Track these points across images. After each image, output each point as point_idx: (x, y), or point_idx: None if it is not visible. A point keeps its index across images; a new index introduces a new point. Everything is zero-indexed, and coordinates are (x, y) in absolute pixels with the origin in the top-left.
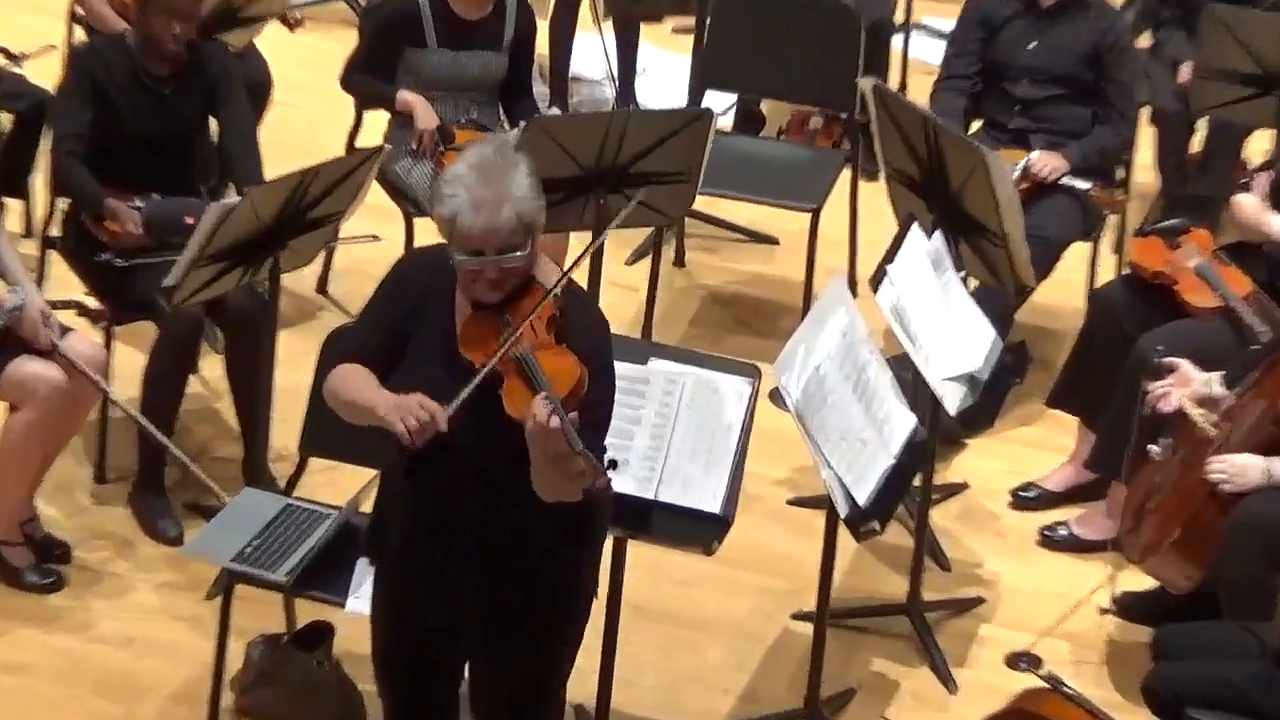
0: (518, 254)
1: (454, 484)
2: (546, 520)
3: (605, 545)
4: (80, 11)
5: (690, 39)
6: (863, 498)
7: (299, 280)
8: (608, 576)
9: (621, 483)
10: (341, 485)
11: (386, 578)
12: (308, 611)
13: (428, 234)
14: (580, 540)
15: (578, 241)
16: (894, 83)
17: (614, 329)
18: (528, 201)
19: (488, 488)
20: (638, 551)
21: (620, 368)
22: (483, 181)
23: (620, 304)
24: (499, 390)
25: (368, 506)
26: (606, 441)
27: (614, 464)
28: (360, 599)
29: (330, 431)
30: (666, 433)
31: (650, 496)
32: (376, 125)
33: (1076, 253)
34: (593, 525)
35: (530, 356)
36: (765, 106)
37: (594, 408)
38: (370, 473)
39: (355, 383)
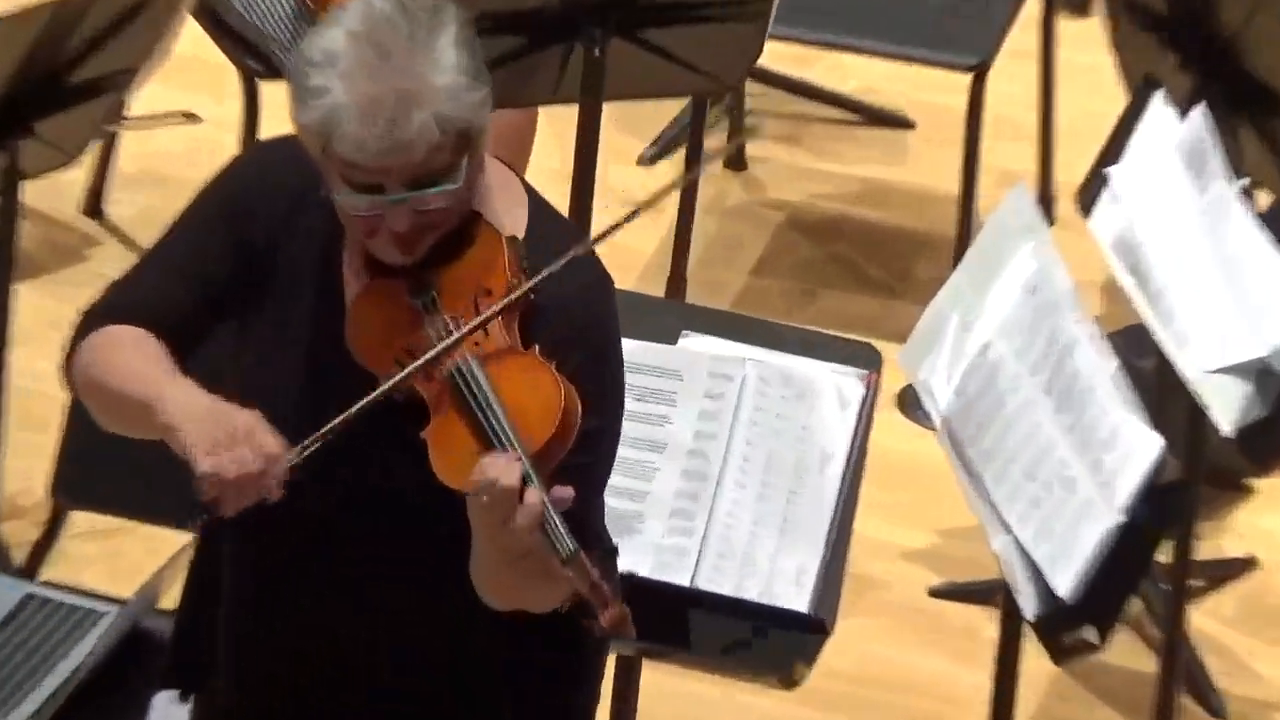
0: (442, 187)
1: (316, 583)
2: (497, 646)
3: (604, 673)
4: None
5: None
6: (1066, 585)
7: (54, 195)
8: None
9: (632, 557)
10: (128, 559)
11: (214, 714)
12: None
13: (285, 115)
14: (561, 678)
15: (556, 119)
16: None
17: (624, 281)
18: (459, 94)
19: (383, 594)
20: (662, 681)
21: (632, 349)
22: (375, 64)
23: (631, 238)
24: (418, 432)
25: (172, 601)
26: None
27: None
28: None
29: (108, 464)
30: (713, 467)
31: (683, 583)
32: None
33: None
34: (582, 648)
35: (479, 374)
36: None
37: (587, 447)
38: (182, 538)
39: (132, 357)
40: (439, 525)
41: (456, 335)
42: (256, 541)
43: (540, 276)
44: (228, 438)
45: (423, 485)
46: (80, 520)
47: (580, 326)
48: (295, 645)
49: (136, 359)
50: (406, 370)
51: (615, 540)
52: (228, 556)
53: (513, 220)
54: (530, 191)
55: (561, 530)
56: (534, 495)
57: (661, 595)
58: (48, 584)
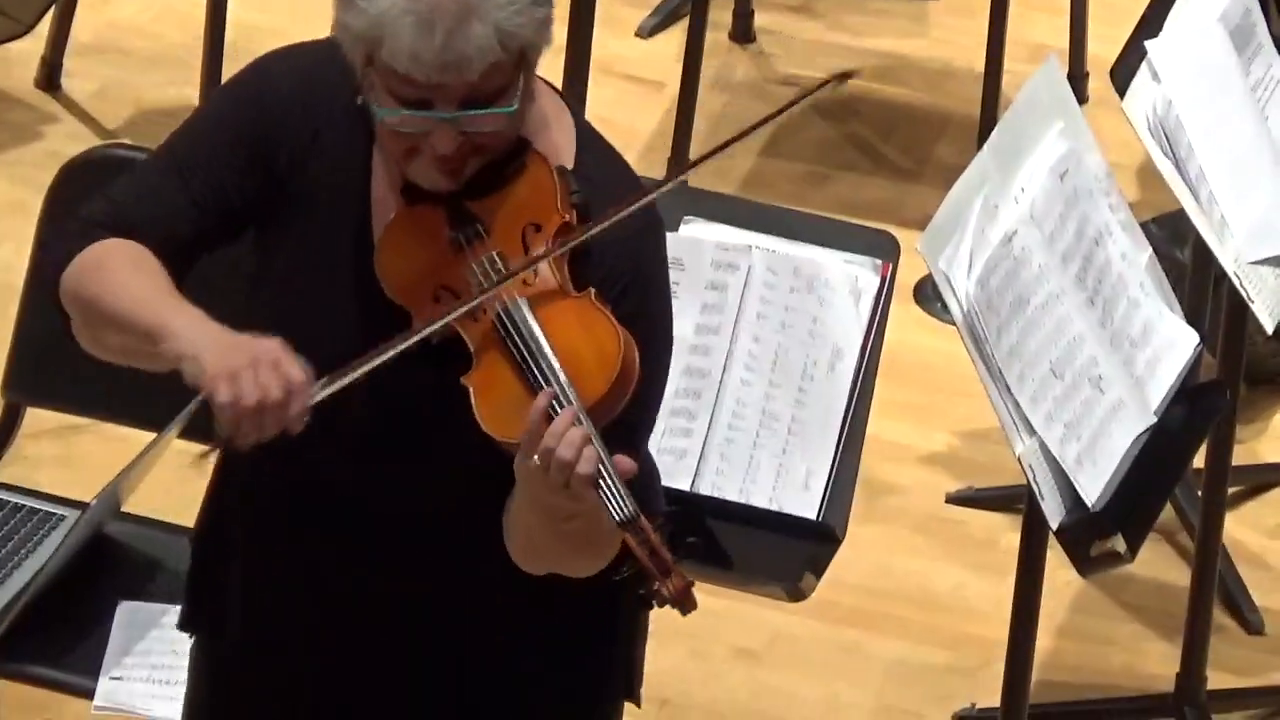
0: (496, 109)
1: (339, 537)
2: (530, 611)
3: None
4: None
5: None
6: (1093, 492)
7: (6, 67)
8: None
9: None
10: (88, 461)
11: (212, 679)
12: (23, 705)
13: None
14: (597, 642)
15: None
16: None
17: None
18: (523, 9)
19: (408, 551)
20: None
21: None
22: None
23: (630, 113)
24: (460, 376)
25: (143, 506)
26: None
27: (692, 543)
28: (123, 682)
29: (65, 358)
30: (717, 364)
31: (683, 488)
32: None
33: None
34: (619, 601)
35: (529, 317)
36: None
37: (640, 401)
38: (145, 437)
39: (133, 279)
40: (474, 475)
41: (507, 274)
42: (274, 483)
43: (609, 220)
44: (249, 365)
45: (458, 433)
46: (36, 418)
47: (633, 269)
48: (311, 596)
49: (139, 282)
50: (452, 314)
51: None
52: (242, 498)
53: (559, 148)
54: (578, 117)
55: (619, 490)
56: (591, 454)
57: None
58: (3, 485)
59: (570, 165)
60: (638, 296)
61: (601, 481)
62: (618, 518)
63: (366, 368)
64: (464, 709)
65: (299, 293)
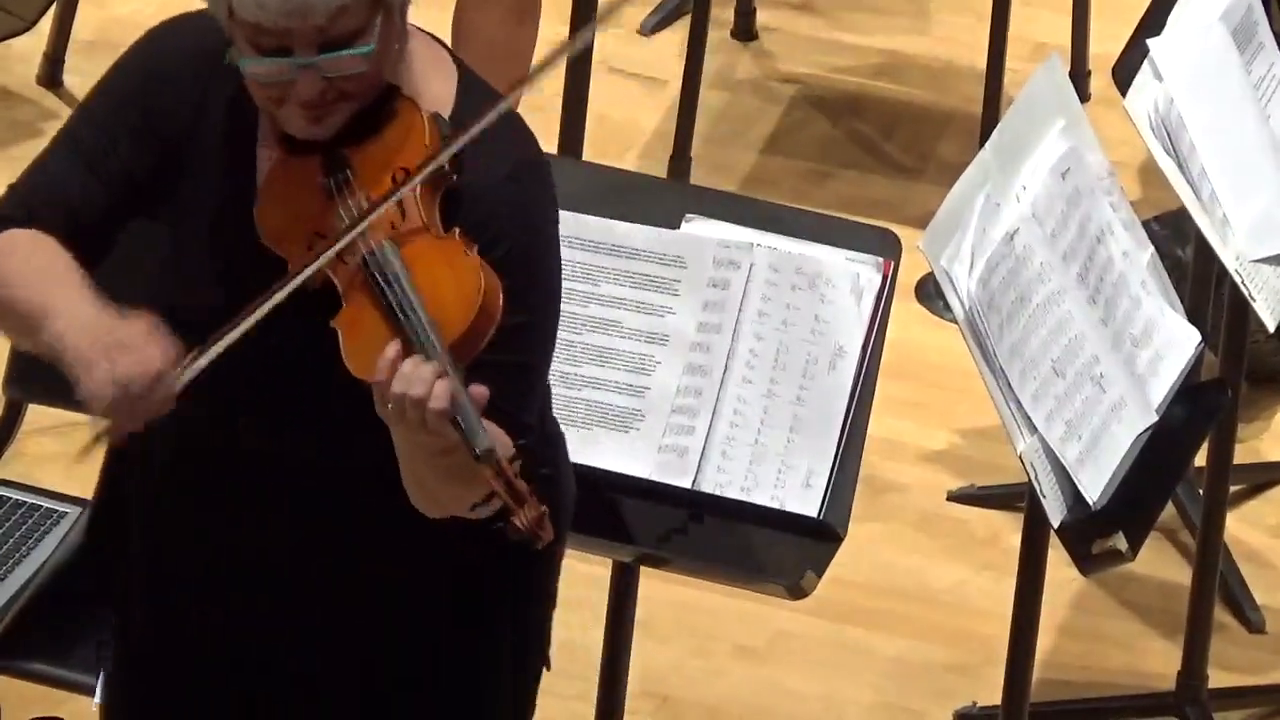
0: (353, 50)
1: (235, 498)
2: (431, 551)
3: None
4: None
5: None
6: (1095, 490)
7: (8, 64)
8: (606, 639)
9: (633, 456)
10: (90, 458)
11: (128, 655)
12: (24, 702)
13: None
14: (514, 589)
15: None
16: None
17: (624, 159)
18: None
19: (303, 502)
20: (662, 590)
21: (631, 234)
22: None
23: (631, 111)
24: (331, 320)
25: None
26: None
27: (548, 481)
28: None
29: None
30: (718, 361)
31: (685, 485)
32: None
33: None
34: (529, 554)
35: (392, 257)
36: None
37: (511, 342)
38: None
39: (24, 265)
40: (361, 423)
41: (366, 216)
42: (165, 446)
43: (455, 145)
44: (113, 350)
45: (337, 380)
46: (37, 415)
47: (509, 213)
48: (211, 563)
49: (29, 267)
50: (320, 258)
51: (612, 441)
52: (136, 464)
53: (437, 97)
54: (462, 67)
55: (476, 426)
56: (444, 388)
57: (661, 498)
58: (5, 482)
59: (449, 110)
60: (514, 239)
61: (458, 416)
62: (474, 449)
63: (233, 334)
64: (370, 675)
65: (193, 254)
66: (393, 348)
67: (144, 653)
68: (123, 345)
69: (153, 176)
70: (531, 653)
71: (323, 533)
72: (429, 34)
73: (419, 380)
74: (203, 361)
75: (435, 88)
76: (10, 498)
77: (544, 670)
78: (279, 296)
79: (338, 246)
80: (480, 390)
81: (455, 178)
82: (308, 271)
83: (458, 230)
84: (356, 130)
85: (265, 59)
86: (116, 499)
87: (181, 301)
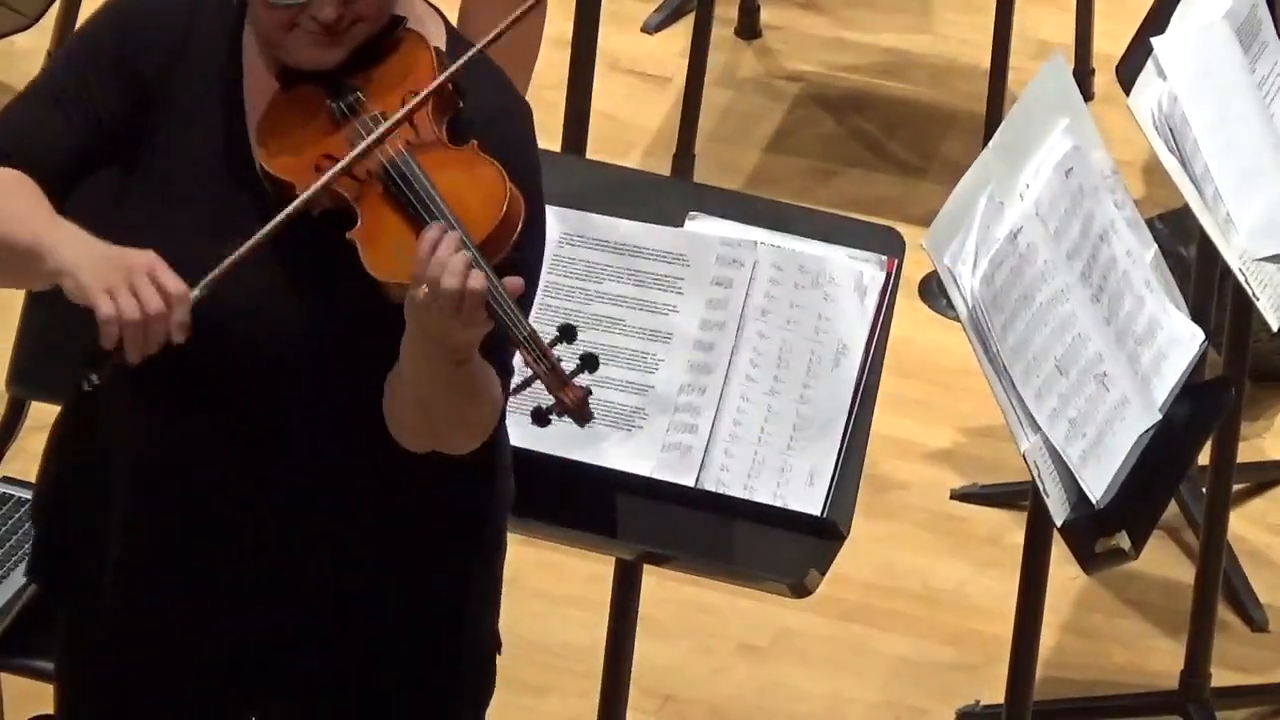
0: None
1: (225, 433)
2: (408, 501)
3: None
4: None
5: None
6: (1098, 489)
7: (11, 63)
8: (608, 637)
9: (636, 454)
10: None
11: (83, 641)
12: (26, 699)
13: None
14: (467, 534)
15: None
16: None
17: (626, 158)
18: None
19: (293, 439)
20: (665, 588)
21: (634, 232)
22: None
23: (635, 108)
24: (346, 234)
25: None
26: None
27: (591, 360)
28: None
29: (68, 352)
30: (721, 360)
31: (688, 483)
32: None
33: None
34: (493, 500)
35: (413, 163)
36: None
37: (521, 270)
38: None
39: (8, 201)
40: (358, 351)
41: (390, 122)
42: (160, 401)
43: (468, 55)
44: (125, 278)
45: (344, 302)
46: (40, 412)
47: (513, 145)
48: (193, 548)
49: (16, 202)
50: (335, 167)
51: (615, 439)
52: (121, 425)
53: (433, 35)
54: (448, 25)
55: (514, 310)
56: (480, 278)
57: (664, 496)
58: (7, 479)
59: (443, 48)
60: (517, 176)
61: (493, 302)
62: (517, 335)
63: (244, 248)
64: (338, 656)
65: (176, 199)
66: (429, 234)
67: (113, 642)
68: (137, 271)
69: (127, 122)
70: (485, 633)
71: (302, 474)
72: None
73: (453, 268)
74: (216, 273)
75: (430, 29)
76: (13, 495)
77: (497, 652)
78: (294, 207)
79: (357, 151)
80: (515, 281)
81: (461, 105)
82: (329, 175)
83: (474, 143)
84: (360, 60)
85: None
86: (71, 485)
87: (170, 247)
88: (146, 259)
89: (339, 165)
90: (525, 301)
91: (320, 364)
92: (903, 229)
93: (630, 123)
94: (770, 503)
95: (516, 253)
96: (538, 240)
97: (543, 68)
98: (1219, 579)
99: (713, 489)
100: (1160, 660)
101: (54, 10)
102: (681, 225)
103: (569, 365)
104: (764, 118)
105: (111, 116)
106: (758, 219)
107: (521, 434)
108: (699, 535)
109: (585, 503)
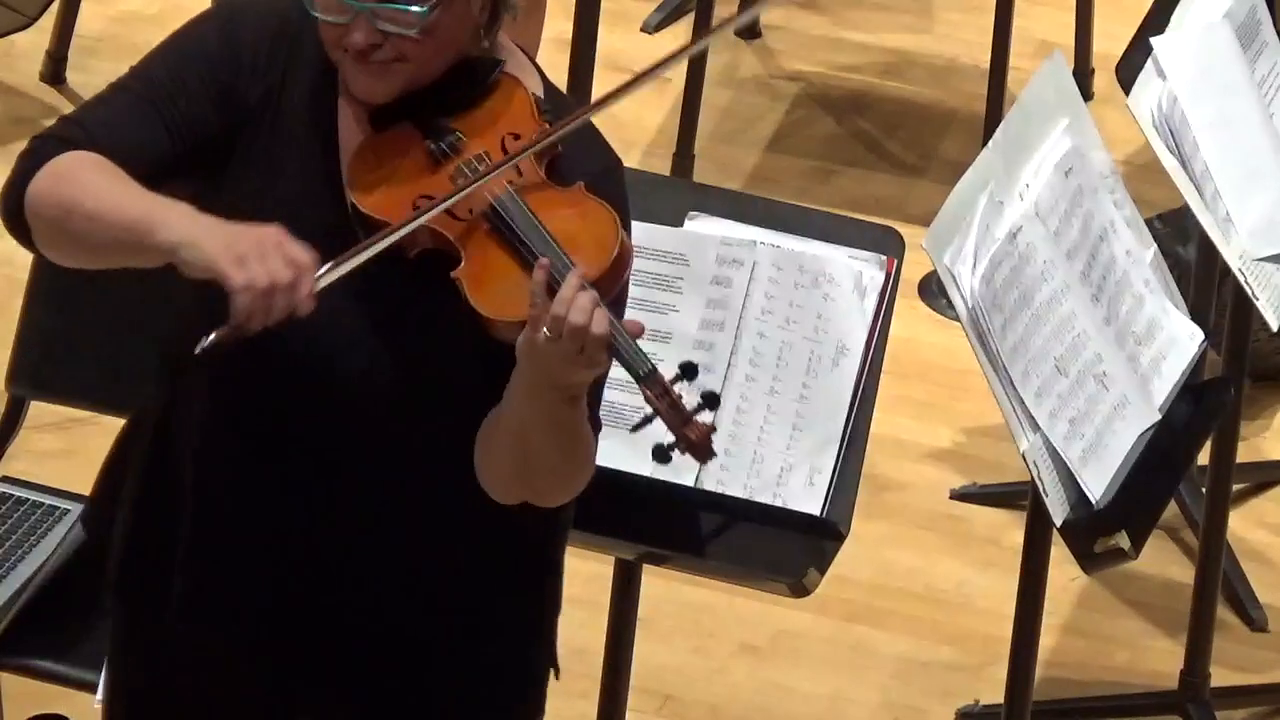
0: (404, 6)
1: (303, 469)
2: (474, 556)
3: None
4: None
5: None
6: (1098, 489)
7: (12, 61)
8: (608, 637)
9: (636, 454)
10: (91, 454)
11: (139, 650)
12: (26, 698)
13: None
14: (531, 592)
15: None
16: None
17: (626, 158)
18: None
19: (372, 480)
20: (665, 589)
21: (635, 232)
22: None
23: (635, 109)
24: (450, 274)
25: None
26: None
27: (713, 398)
28: None
29: (68, 351)
30: (721, 360)
31: (687, 483)
32: None
33: None
34: (553, 560)
35: (521, 202)
36: None
37: (622, 304)
38: None
39: (111, 180)
40: (448, 396)
41: (502, 162)
42: (241, 428)
43: (580, 115)
44: (255, 248)
45: (439, 346)
46: (40, 411)
47: (616, 195)
48: (265, 559)
49: (117, 182)
50: (441, 203)
51: (614, 436)
52: (192, 444)
53: (529, 84)
54: (544, 77)
55: (635, 347)
56: (603, 315)
57: (664, 496)
58: (7, 479)
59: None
60: (616, 200)
61: (616, 341)
62: (639, 372)
63: (369, 252)
64: (402, 679)
65: (267, 220)
66: (541, 273)
67: (174, 651)
68: (266, 242)
69: (219, 143)
70: (542, 654)
71: (375, 521)
72: (517, 44)
73: (579, 306)
74: (339, 271)
75: (524, 77)
76: (12, 495)
77: (552, 676)
78: (412, 226)
79: (470, 188)
80: (635, 323)
81: (559, 150)
82: (434, 209)
83: (582, 184)
84: (458, 100)
85: (331, 15)
86: (161, 495)
87: None
88: (273, 232)
89: (445, 200)
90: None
91: (408, 404)
92: (902, 229)
93: (630, 122)
94: (770, 502)
95: (623, 294)
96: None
97: (543, 67)
98: (1218, 579)
99: (712, 489)
100: (1159, 660)
101: (54, 10)
102: (681, 225)
103: (689, 401)
104: (763, 117)
105: (206, 129)
106: (757, 219)
107: None
108: (699, 535)
109: (584, 502)
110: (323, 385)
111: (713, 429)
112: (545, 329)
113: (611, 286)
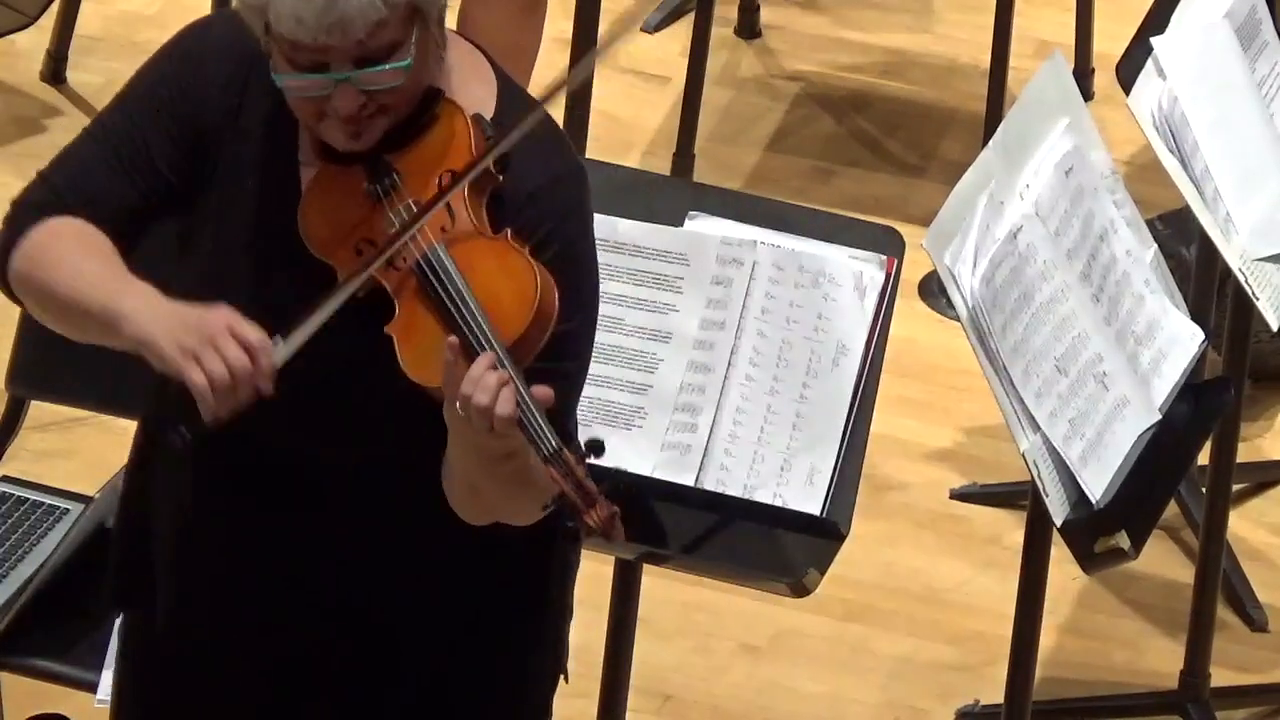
0: (389, 65)
1: (279, 493)
2: (467, 566)
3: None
4: None
5: None
6: (1098, 489)
7: (11, 60)
8: (608, 637)
9: (636, 454)
10: (91, 454)
11: (142, 656)
12: (27, 698)
13: None
14: (531, 601)
15: None
16: None
17: (626, 158)
18: None
19: (349, 505)
20: (665, 588)
21: (634, 231)
22: None
23: (635, 108)
24: (385, 327)
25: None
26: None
27: (598, 446)
28: None
29: (67, 352)
30: (721, 359)
31: (687, 483)
32: None
33: None
34: (554, 568)
35: (445, 260)
36: None
37: (560, 348)
38: None
39: (82, 260)
40: (407, 430)
41: (420, 218)
42: (210, 456)
43: (500, 147)
44: (206, 341)
45: (388, 386)
46: (40, 411)
47: (557, 216)
48: (248, 567)
49: (88, 261)
50: (374, 261)
51: (614, 436)
52: (173, 471)
53: (478, 100)
54: (499, 72)
55: (543, 426)
56: (509, 392)
57: (664, 496)
58: (7, 479)
59: (490, 114)
60: (559, 245)
61: (523, 419)
62: (542, 452)
63: (318, 321)
64: (399, 685)
65: (231, 258)
66: (450, 352)
67: (168, 651)
68: (217, 332)
69: (184, 176)
70: (550, 664)
71: (357, 545)
72: (468, 40)
73: (484, 387)
74: (290, 348)
75: (476, 92)
76: (12, 494)
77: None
78: (340, 297)
79: (391, 249)
80: (544, 391)
81: (501, 179)
82: (370, 268)
83: (509, 232)
84: (399, 136)
85: (302, 75)
86: (145, 502)
87: (225, 302)
88: (222, 317)
89: (377, 260)
90: (573, 388)
91: (379, 433)
92: (902, 229)
93: (630, 122)
94: (770, 502)
95: (557, 338)
96: (584, 306)
97: (543, 68)
98: (1218, 579)
99: (712, 489)
100: (1159, 660)
101: (54, 9)
102: (681, 225)
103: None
104: (763, 117)
105: (168, 170)
106: (757, 219)
107: None
108: (699, 535)
109: None
110: (290, 420)
111: (616, 512)
112: (456, 404)
113: (535, 342)
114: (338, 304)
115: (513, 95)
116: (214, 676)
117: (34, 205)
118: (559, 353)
